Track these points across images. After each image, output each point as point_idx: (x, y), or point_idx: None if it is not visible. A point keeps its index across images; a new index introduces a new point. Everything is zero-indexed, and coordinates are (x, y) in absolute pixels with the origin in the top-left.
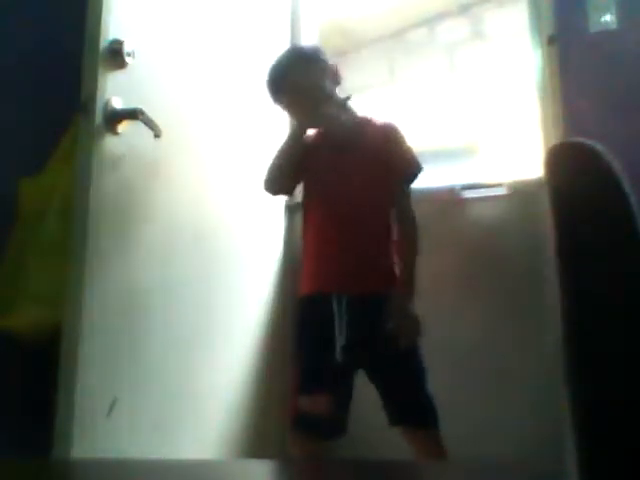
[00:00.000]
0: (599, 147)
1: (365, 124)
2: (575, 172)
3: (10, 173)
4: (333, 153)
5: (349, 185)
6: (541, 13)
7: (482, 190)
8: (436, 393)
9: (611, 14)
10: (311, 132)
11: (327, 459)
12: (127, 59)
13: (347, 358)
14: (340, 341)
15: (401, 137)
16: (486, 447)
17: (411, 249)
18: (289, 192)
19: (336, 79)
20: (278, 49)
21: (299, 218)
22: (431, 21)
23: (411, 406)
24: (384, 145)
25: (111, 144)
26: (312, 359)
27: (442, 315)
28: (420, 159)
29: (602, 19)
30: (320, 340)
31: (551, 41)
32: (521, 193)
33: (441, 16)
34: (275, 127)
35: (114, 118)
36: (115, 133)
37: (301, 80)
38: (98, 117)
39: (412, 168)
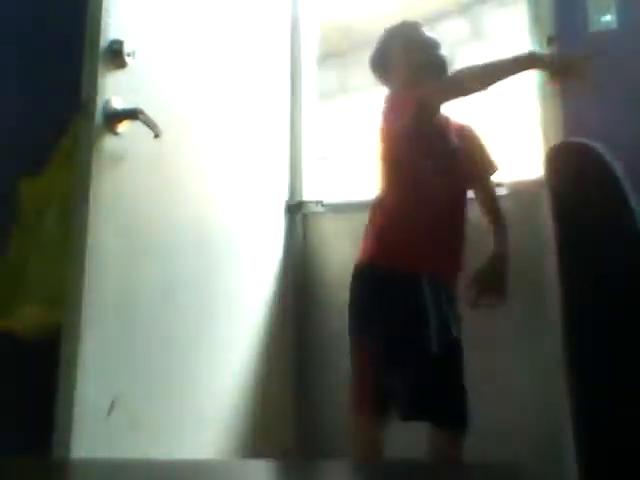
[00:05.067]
0: (599, 147)
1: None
2: (575, 172)
3: (10, 173)
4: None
5: (456, 177)
6: (541, 13)
7: None
8: None
9: (611, 14)
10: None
11: (328, 460)
12: (127, 59)
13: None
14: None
15: (481, 138)
16: (486, 447)
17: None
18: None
19: None
20: (278, 49)
21: (299, 218)
22: (431, 21)
23: (458, 408)
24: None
25: (111, 144)
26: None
27: None
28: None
29: (602, 19)
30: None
31: (551, 41)
32: (521, 193)
33: (441, 16)
34: (275, 126)
35: (114, 118)
36: (115, 133)
37: None
38: (98, 117)
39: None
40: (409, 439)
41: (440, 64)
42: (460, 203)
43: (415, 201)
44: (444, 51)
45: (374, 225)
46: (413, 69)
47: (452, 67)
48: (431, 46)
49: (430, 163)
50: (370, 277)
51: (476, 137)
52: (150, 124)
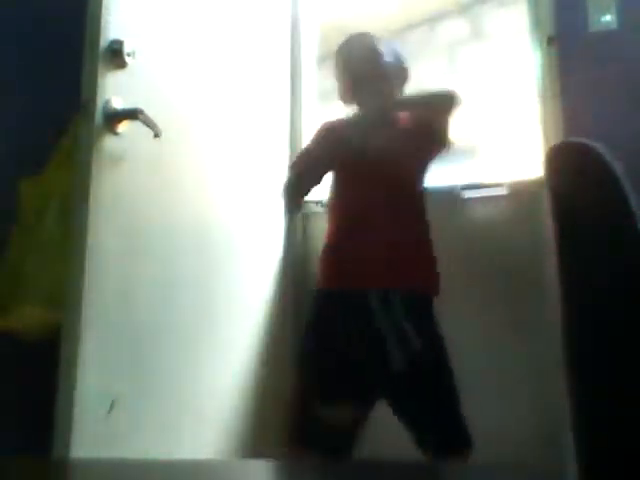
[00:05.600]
0: (599, 147)
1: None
2: (575, 172)
3: (10, 173)
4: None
5: (399, 182)
6: (541, 13)
7: (482, 190)
8: None
9: (611, 14)
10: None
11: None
12: (127, 59)
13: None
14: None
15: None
16: (486, 447)
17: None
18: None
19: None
20: (278, 49)
21: (299, 218)
22: (431, 21)
23: (450, 430)
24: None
25: (111, 144)
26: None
27: (441, 315)
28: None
29: (602, 19)
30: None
31: (551, 41)
32: (521, 193)
33: (441, 16)
34: (275, 126)
35: (114, 118)
36: (115, 133)
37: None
38: (98, 117)
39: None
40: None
41: (375, 75)
42: (411, 206)
43: (352, 215)
44: (389, 60)
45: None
46: (346, 86)
47: (401, 72)
48: (365, 59)
49: (363, 173)
50: (319, 301)
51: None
52: (150, 124)
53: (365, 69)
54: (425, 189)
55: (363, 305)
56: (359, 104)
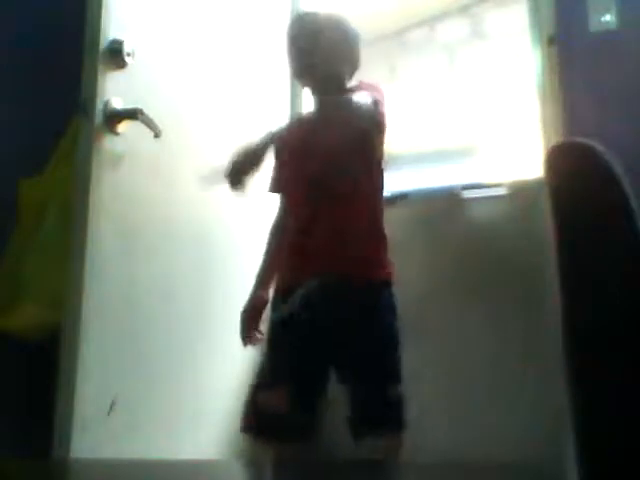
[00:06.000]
0: (599, 147)
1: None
2: (575, 172)
3: (10, 173)
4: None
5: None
6: (541, 13)
7: (482, 190)
8: (435, 393)
9: (611, 14)
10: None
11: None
12: (127, 59)
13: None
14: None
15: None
16: (486, 447)
17: None
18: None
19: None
20: (278, 48)
21: None
22: (431, 21)
23: (375, 412)
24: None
25: (111, 144)
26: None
27: (441, 315)
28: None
29: (602, 19)
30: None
31: (551, 41)
32: (521, 193)
33: (441, 16)
34: (275, 126)
35: (114, 118)
36: (115, 133)
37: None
38: (98, 117)
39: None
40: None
41: (296, 60)
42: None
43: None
44: (338, 41)
45: None
46: (292, 68)
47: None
48: (309, 41)
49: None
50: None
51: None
52: (150, 124)
53: (308, 51)
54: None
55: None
56: (308, 87)
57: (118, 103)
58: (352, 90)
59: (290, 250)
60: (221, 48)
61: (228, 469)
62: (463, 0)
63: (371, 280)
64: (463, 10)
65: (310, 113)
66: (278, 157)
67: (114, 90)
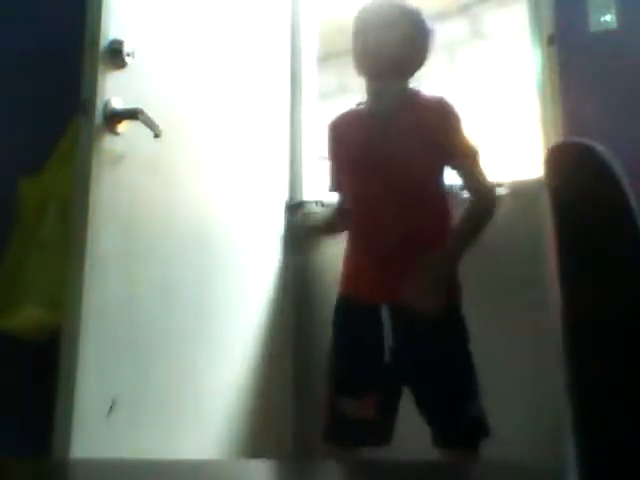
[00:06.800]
0: (599, 147)
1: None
2: (575, 172)
3: (10, 173)
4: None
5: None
6: (541, 13)
7: None
8: None
9: (611, 14)
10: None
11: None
12: (127, 59)
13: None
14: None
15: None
16: (486, 447)
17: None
18: None
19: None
20: (278, 49)
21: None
22: (431, 21)
23: (456, 425)
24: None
25: (111, 144)
26: (357, 361)
27: None
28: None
29: (602, 19)
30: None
31: (551, 41)
32: (521, 193)
33: (441, 16)
34: (275, 126)
35: (114, 118)
36: (115, 133)
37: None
38: (98, 117)
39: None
40: (414, 437)
41: (367, 52)
42: (402, 209)
43: (354, 221)
44: (405, 33)
45: None
46: (355, 57)
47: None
48: (366, 30)
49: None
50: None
51: (441, 117)
52: (150, 124)
53: (372, 43)
54: (440, 190)
55: (367, 316)
56: (365, 77)
57: (118, 103)
58: (415, 92)
59: (360, 258)
60: (221, 48)
61: (228, 469)
62: (463, 0)
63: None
64: (463, 10)
65: (368, 105)
66: (336, 151)
67: (114, 90)
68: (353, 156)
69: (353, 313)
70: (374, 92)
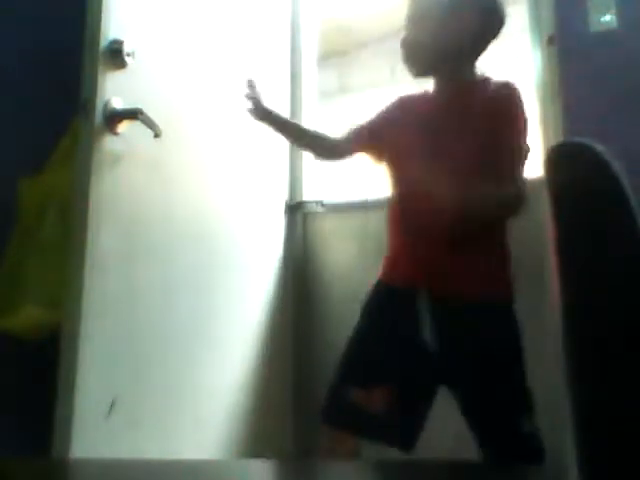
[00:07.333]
0: (599, 147)
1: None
2: (575, 172)
3: (10, 173)
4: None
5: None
6: (541, 13)
7: None
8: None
9: (611, 14)
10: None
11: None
12: (127, 59)
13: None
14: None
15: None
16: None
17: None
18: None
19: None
20: (278, 49)
21: (299, 218)
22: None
23: (510, 447)
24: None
25: (111, 144)
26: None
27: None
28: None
29: (602, 19)
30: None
31: (551, 41)
32: None
33: None
34: None
35: (114, 118)
36: (115, 133)
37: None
38: (98, 117)
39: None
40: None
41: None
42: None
43: (393, 203)
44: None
45: None
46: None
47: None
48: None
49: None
50: (372, 292)
51: (500, 110)
52: (150, 124)
53: (431, 31)
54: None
55: (405, 302)
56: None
57: (118, 103)
58: (480, 80)
59: (404, 240)
60: (221, 48)
61: (228, 469)
62: None
63: (494, 302)
64: None
65: (433, 93)
66: (392, 124)
67: (114, 90)
68: (411, 138)
69: (384, 295)
70: (439, 78)
